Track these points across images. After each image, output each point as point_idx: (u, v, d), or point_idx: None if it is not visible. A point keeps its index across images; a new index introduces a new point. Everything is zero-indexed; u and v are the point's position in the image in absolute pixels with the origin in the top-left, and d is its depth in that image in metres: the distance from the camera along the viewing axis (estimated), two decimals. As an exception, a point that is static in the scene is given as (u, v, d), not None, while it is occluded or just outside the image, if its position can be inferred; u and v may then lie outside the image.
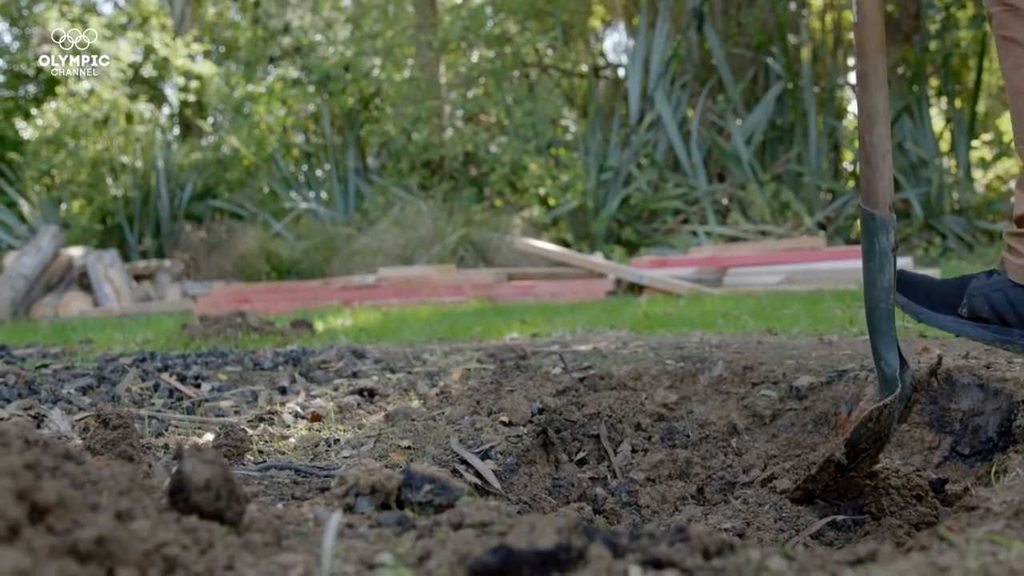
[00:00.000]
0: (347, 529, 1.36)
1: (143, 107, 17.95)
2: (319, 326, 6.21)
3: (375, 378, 3.50)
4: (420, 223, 13.21)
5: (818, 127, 14.40)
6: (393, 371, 3.70)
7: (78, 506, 1.08)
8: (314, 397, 3.13)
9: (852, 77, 15.87)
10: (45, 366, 4.10)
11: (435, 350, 4.30)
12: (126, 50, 18.60)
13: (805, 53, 15.71)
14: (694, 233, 13.37)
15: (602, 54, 20.92)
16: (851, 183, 15.00)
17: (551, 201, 14.73)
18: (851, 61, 16.82)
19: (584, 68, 18.58)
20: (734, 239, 12.81)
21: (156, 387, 3.39)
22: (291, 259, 14.42)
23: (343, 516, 1.42)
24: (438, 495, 1.54)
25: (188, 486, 1.24)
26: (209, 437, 2.49)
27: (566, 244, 13.77)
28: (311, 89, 17.31)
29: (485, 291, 9.09)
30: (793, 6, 16.48)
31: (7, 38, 22.92)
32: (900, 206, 14.22)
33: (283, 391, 3.31)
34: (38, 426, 2.59)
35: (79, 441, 2.33)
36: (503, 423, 2.62)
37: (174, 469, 1.29)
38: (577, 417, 2.79)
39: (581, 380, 3.17)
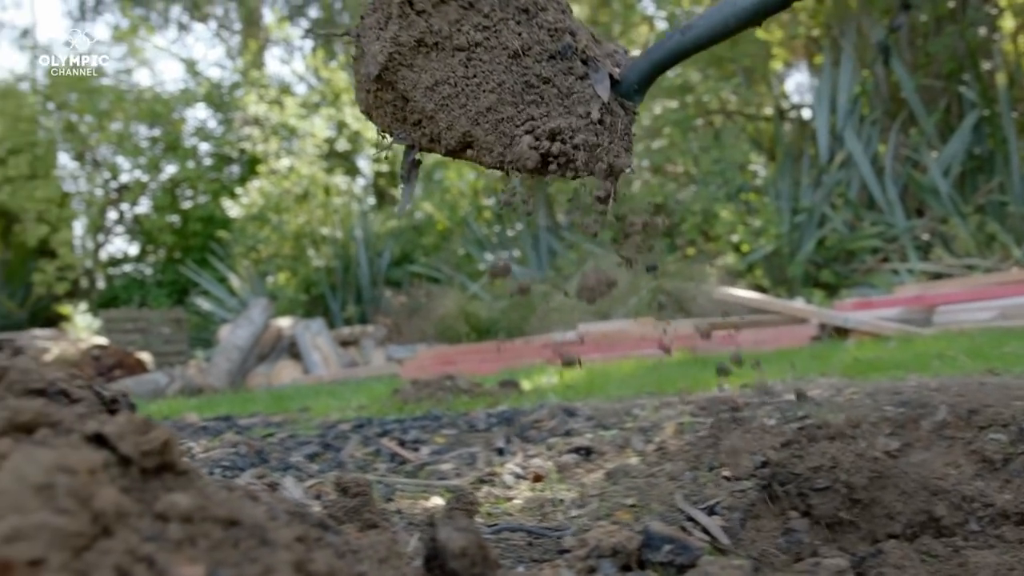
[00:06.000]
0: (595, 591, 1.38)
1: (339, 180, 18.66)
2: (526, 385, 6.28)
3: (589, 436, 3.52)
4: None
5: (1020, 153, 13.81)
6: (606, 428, 3.72)
7: (347, 576, 1.13)
8: (531, 457, 3.17)
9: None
10: (271, 435, 4.28)
11: (645, 405, 4.30)
12: (320, 126, 19.40)
13: (1000, 78, 15.16)
14: (895, 271, 12.98)
15: (785, 96, 20.66)
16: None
17: (744, 247, 14.56)
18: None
19: (769, 111, 18.40)
20: (938, 276, 12.36)
21: (378, 452, 3.49)
22: (489, 319, 14.64)
23: (589, 578, 1.44)
24: (679, 555, 1.55)
25: (444, 554, 1.29)
26: (437, 500, 2.55)
27: (763, 290, 13.56)
28: (499, 152, 17.63)
29: (686, 343, 9.01)
30: (983, 31, 15.94)
31: (211, 123, 24.28)
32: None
33: (500, 452, 3.36)
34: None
35: (317, 508, 2.42)
36: (725, 478, 2.59)
37: (427, 536, 1.33)
38: (801, 469, 2.73)
39: (799, 430, 3.11)
